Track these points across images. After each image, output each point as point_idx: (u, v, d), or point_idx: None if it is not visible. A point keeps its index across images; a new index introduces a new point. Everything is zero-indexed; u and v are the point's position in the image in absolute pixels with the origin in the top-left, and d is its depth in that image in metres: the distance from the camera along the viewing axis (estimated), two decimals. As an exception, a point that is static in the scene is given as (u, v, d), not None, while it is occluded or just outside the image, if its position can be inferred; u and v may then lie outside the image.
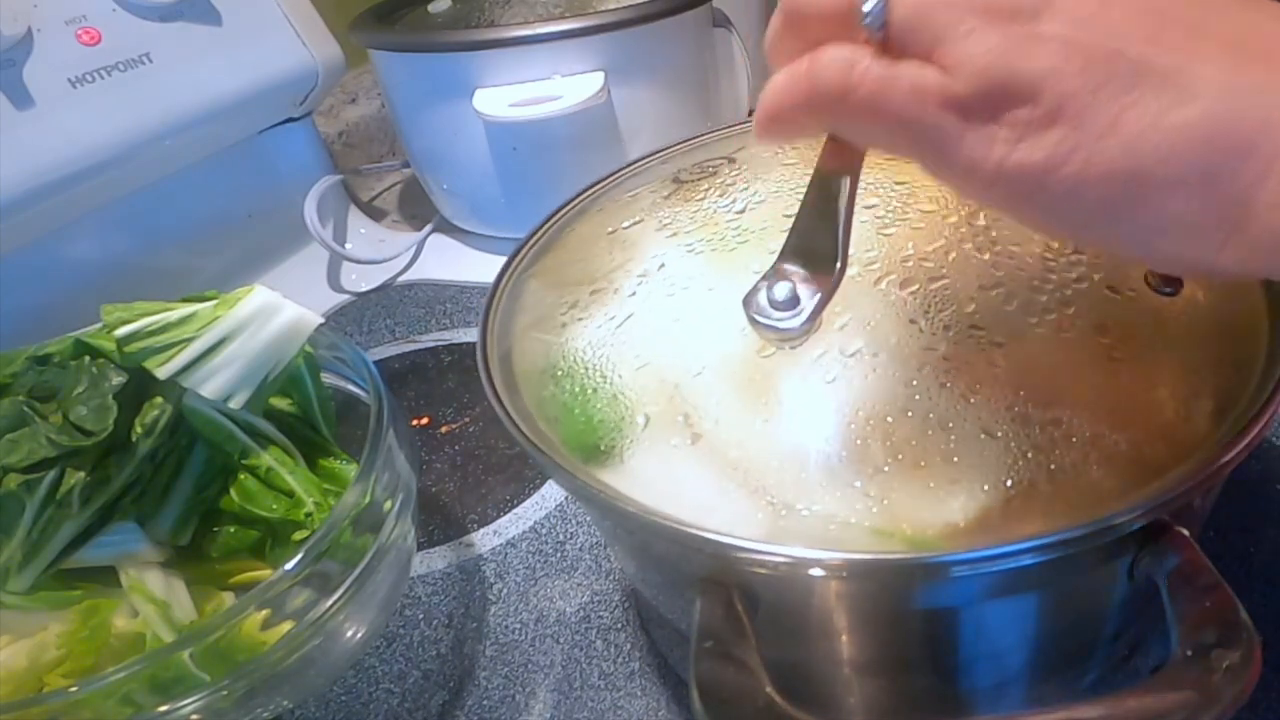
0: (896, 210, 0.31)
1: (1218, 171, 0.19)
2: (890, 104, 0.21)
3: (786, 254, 0.25)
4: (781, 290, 0.25)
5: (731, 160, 0.37)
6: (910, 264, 0.29)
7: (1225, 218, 0.19)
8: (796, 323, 0.24)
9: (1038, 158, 0.20)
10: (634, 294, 0.32)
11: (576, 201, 0.38)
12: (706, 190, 0.35)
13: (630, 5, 0.62)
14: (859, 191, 0.25)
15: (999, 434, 0.25)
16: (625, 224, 0.35)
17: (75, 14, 0.55)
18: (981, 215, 0.31)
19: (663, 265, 0.32)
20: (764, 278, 0.25)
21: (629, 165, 0.40)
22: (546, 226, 0.37)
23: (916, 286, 0.28)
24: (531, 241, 0.37)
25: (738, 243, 0.32)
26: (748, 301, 0.25)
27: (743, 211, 0.33)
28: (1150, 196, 0.19)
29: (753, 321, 0.25)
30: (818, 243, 0.25)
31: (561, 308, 0.33)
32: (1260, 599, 0.37)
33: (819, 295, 0.24)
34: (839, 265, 0.25)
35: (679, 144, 0.41)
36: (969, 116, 0.20)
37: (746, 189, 0.35)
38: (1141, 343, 0.27)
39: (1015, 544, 0.22)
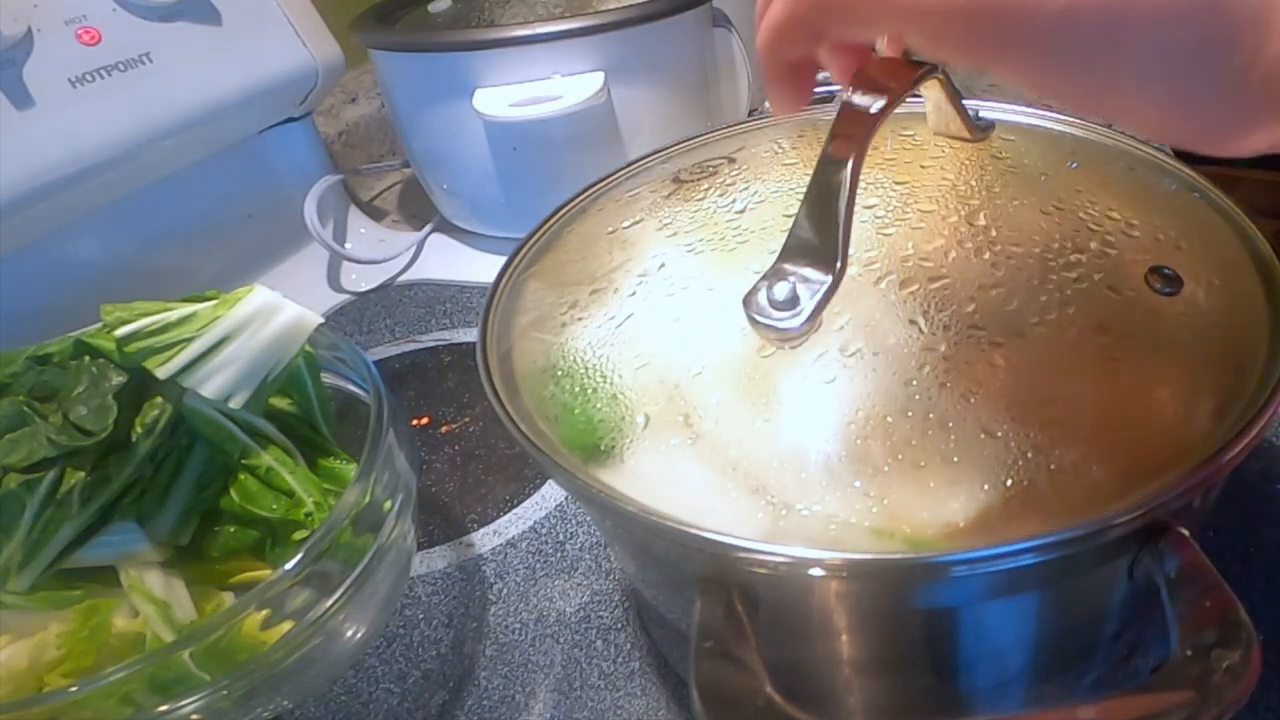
0: (896, 210, 0.31)
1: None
2: None
3: (786, 254, 0.25)
4: (781, 290, 0.25)
5: (731, 160, 0.37)
6: (910, 264, 0.29)
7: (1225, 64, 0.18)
8: (796, 322, 0.24)
9: None
10: (634, 294, 0.32)
11: (576, 201, 0.38)
12: (706, 190, 0.35)
13: (630, 5, 0.62)
14: (859, 191, 0.25)
15: (999, 434, 0.25)
16: (625, 224, 0.35)
17: (75, 14, 0.55)
18: (981, 215, 0.31)
19: (663, 265, 0.32)
20: (764, 278, 0.25)
21: (629, 165, 0.40)
22: (546, 226, 0.37)
23: (916, 286, 0.28)
24: (531, 241, 0.37)
25: (738, 243, 0.32)
26: (748, 301, 0.25)
27: (743, 211, 0.33)
28: (1136, 26, 0.19)
29: (753, 321, 0.25)
30: (818, 243, 0.25)
31: (561, 308, 0.33)
32: (1260, 599, 0.37)
33: (819, 295, 0.24)
34: (839, 265, 0.25)
35: (679, 144, 0.41)
36: None
37: (746, 189, 0.35)
38: (1141, 343, 0.27)
39: (1015, 544, 0.22)
